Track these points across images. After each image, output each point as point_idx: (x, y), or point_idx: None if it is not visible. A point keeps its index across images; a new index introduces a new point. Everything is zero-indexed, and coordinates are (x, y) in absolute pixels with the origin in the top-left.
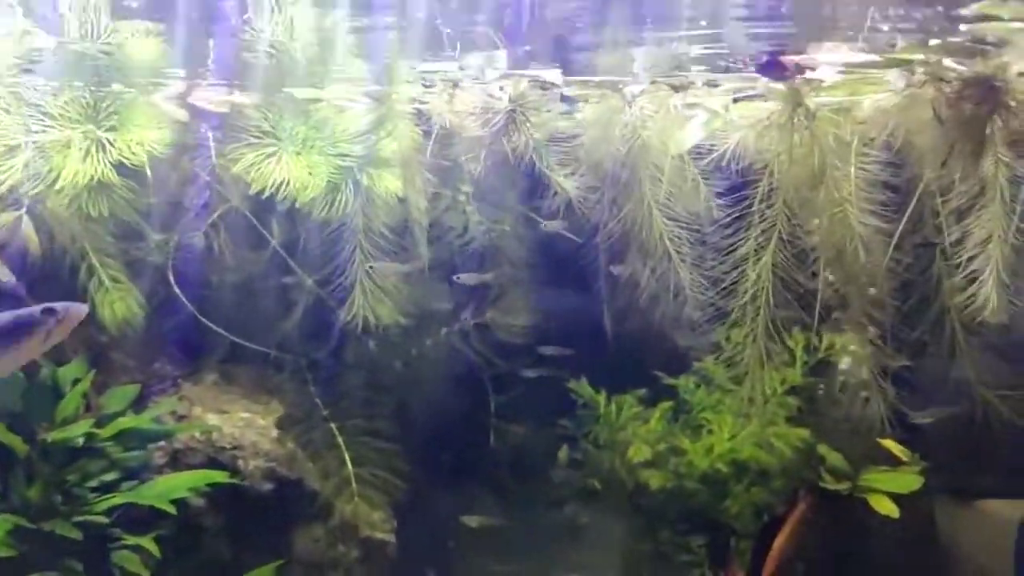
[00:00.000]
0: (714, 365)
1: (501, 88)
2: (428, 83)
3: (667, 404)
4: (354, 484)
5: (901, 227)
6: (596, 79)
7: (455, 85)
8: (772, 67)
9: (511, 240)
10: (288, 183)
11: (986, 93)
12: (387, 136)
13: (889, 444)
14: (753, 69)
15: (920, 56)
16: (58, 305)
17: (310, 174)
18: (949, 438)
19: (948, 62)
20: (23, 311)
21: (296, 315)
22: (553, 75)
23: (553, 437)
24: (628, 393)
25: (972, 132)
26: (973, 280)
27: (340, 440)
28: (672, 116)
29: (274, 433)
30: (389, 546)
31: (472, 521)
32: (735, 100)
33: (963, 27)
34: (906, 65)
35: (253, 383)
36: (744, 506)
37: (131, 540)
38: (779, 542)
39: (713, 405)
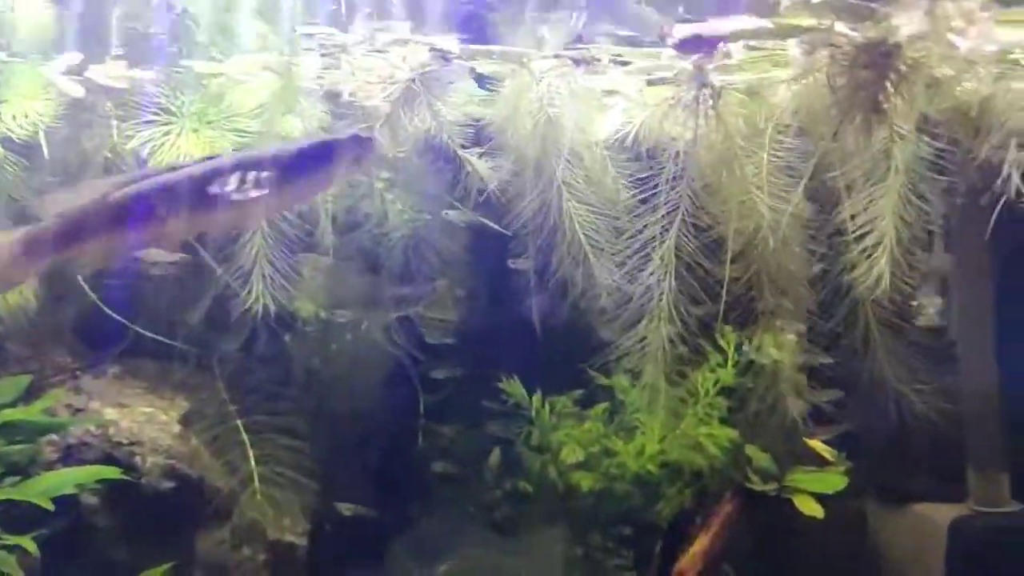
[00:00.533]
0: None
1: (404, 59)
2: (326, 52)
3: (603, 405)
4: (258, 483)
5: (811, 213)
6: (497, 49)
7: (344, 50)
8: (691, 44)
9: (435, 230)
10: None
11: (878, 59)
12: (287, 111)
13: (815, 444)
14: (668, 44)
15: (811, 21)
16: (364, 132)
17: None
18: (878, 440)
19: (840, 27)
20: (327, 137)
21: (204, 305)
22: (449, 43)
23: (485, 439)
24: (564, 394)
25: (865, 101)
26: (868, 258)
27: (245, 437)
28: (582, 94)
29: (176, 429)
30: (299, 549)
31: (346, 509)
32: (649, 83)
33: None
34: (800, 31)
35: (158, 377)
36: (675, 508)
37: (10, 540)
38: (703, 543)
39: (647, 405)
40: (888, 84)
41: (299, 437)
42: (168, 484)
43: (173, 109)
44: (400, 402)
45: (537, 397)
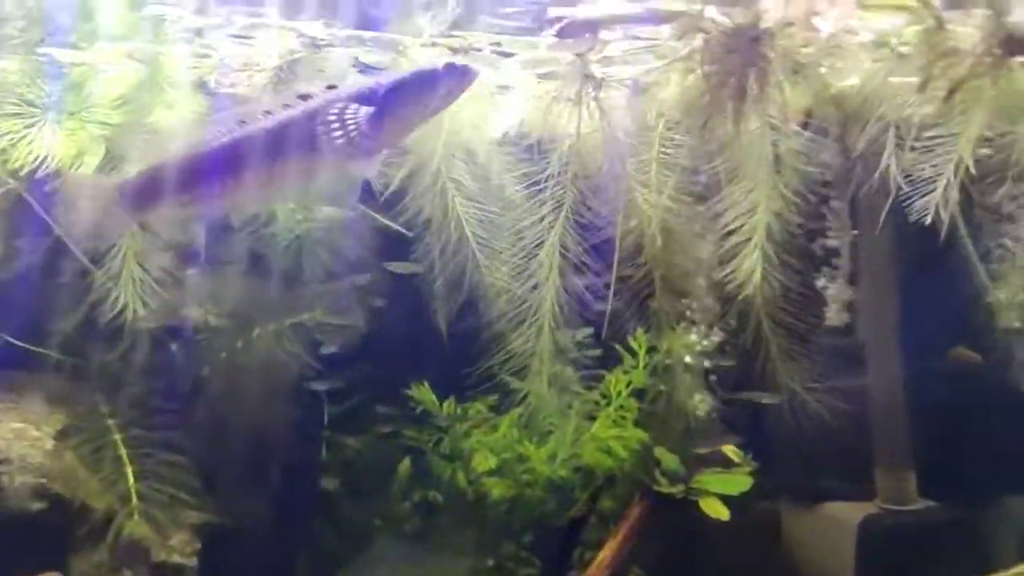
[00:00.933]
0: (562, 367)
1: (267, 44)
2: (190, 40)
3: (517, 411)
4: (136, 501)
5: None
6: (369, 35)
7: (199, 34)
8: (570, 30)
9: (331, 231)
10: (51, 158)
11: (745, 45)
12: (155, 101)
13: (723, 447)
14: (550, 32)
15: (682, 6)
16: (458, 63)
17: (77, 149)
18: (785, 441)
19: (710, 12)
20: (424, 67)
21: (80, 311)
22: (315, 28)
23: (394, 448)
24: (477, 400)
25: (733, 89)
26: (736, 255)
27: (124, 453)
28: (472, 90)
29: (49, 445)
30: (187, 571)
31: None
32: (540, 76)
33: None
34: (671, 17)
35: (30, 389)
36: (587, 513)
37: None
38: (611, 548)
39: (562, 409)
40: (755, 71)
41: (184, 452)
42: (38, 504)
43: (35, 100)
44: (302, 413)
45: (449, 403)
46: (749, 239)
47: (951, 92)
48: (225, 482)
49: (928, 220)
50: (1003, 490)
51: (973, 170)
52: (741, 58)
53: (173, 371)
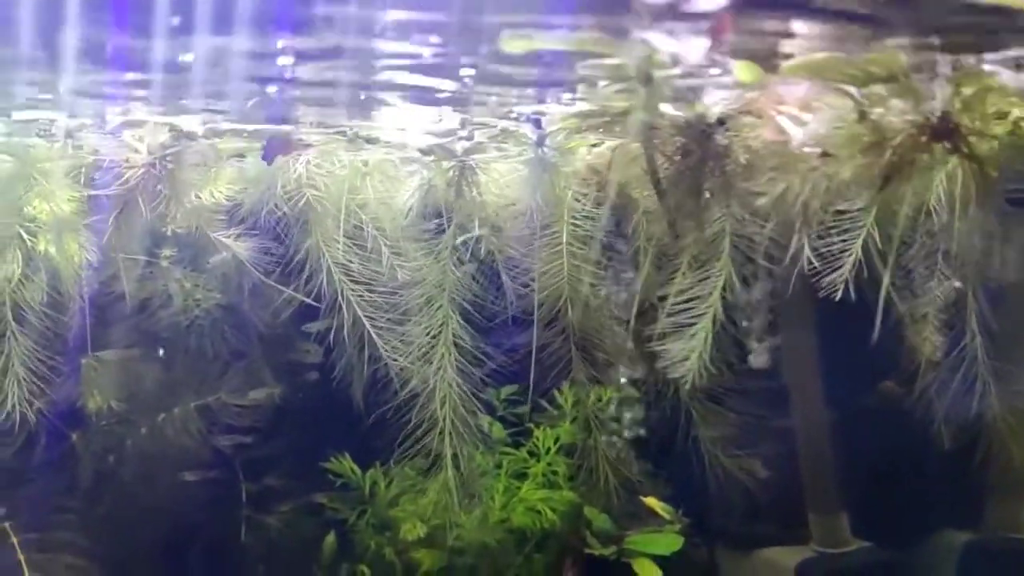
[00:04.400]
0: (493, 426)
1: (140, 139)
2: (43, 133)
3: (447, 474)
4: None
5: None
6: (251, 128)
7: (69, 135)
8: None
9: (230, 309)
10: None
11: (699, 139)
12: (28, 194)
13: (651, 502)
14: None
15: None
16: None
17: None
18: (713, 492)
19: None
20: None
21: None
22: (192, 123)
23: (318, 522)
24: (402, 465)
25: (690, 185)
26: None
27: (22, 558)
28: (346, 171)
29: None
30: None
31: None
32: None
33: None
34: (620, 113)
35: None
36: None
37: None
38: None
39: (486, 470)
40: (711, 164)
41: (87, 553)
42: None
43: None
44: (217, 495)
45: (373, 472)
46: (692, 322)
47: (886, 181)
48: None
49: (838, 296)
50: (935, 526)
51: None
52: (694, 154)
53: (74, 464)
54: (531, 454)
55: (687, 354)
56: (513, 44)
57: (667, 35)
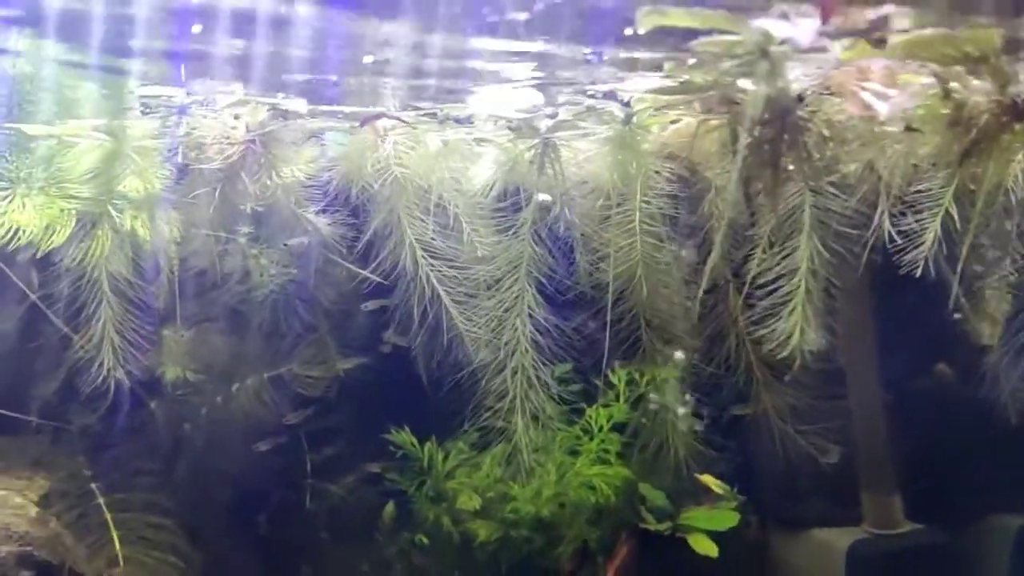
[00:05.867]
0: (547, 402)
1: (236, 117)
2: (148, 111)
3: (499, 449)
4: (123, 565)
5: (693, 261)
6: (346, 110)
7: (182, 112)
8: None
9: (302, 285)
10: (25, 230)
11: (780, 115)
12: (125, 174)
13: (707, 479)
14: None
15: (710, 78)
16: None
17: (48, 220)
18: (772, 470)
19: (741, 83)
20: None
21: (61, 376)
22: (297, 104)
23: (379, 493)
24: (459, 439)
25: (770, 159)
26: (773, 315)
27: (109, 517)
28: (445, 146)
29: (33, 512)
30: None
31: None
32: (512, 130)
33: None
34: (698, 89)
35: (13, 455)
36: (575, 552)
37: None
38: None
39: (544, 446)
40: (787, 139)
41: (168, 514)
42: (25, 573)
43: (4, 174)
44: (284, 464)
45: (430, 445)
46: (789, 299)
47: (965, 158)
48: (211, 539)
49: (918, 272)
50: (988, 510)
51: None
52: (773, 127)
53: (154, 430)
54: (584, 431)
55: (790, 331)
56: (648, 20)
57: (779, 16)
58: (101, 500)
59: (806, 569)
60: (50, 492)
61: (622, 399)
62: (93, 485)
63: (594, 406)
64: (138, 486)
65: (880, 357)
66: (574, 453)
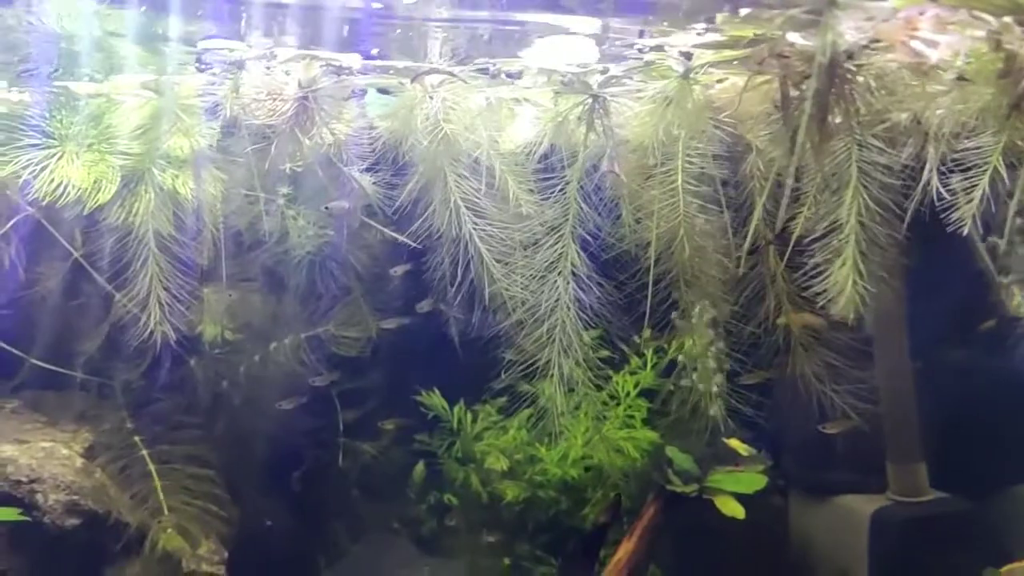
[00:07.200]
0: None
1: (287, 72)
2: (205, 66)
3: (526, 413)
4: (168, 514)
5: (733, 221)
6: (399, 64)
7: (240, 67)
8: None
9: (343, 246)
10: (73, 187)
11: (829, 68)
12: (174, 131)
13: (734, 443)
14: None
15: (759, 31)
16: None
17: (95, 177)
18: (798, 436)
19: (791, 36)
20: None
21: (104, 333)
22: (351, 59)
23: (409, 453)
24: (487, 403)
25: (819, 114)
26: (819, 272)
27: (152, 468)
28: (486, 105)
29: (79, 463)
30: None
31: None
32: (556, 92)
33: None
34: (748, 41)
35: (58, 409)
36: (601, 513)
37: None
38: (627, 548)
39: (572, 410)
40: (844, 96)
41: (208, 465)
42: (73, 521)
43: (53, 132)
44: (318, 421)
45: (459, 408)
46: (838, 253)
47: (1014, 111)
48: (248, 492)
49: (965, 230)
50: (1014, 479)
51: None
52: (824, 82)
53: (193, 387)
54: (612, 397)
55: (842, 285)
56: None
57: None
58: (144, 452)
59: (829, 535)
60: (94, 445)
61: (649, 366)
62: (136, 438)
63: (620, 373)
64: (179, 440)
65: (910, 323)
66: (600, 418)
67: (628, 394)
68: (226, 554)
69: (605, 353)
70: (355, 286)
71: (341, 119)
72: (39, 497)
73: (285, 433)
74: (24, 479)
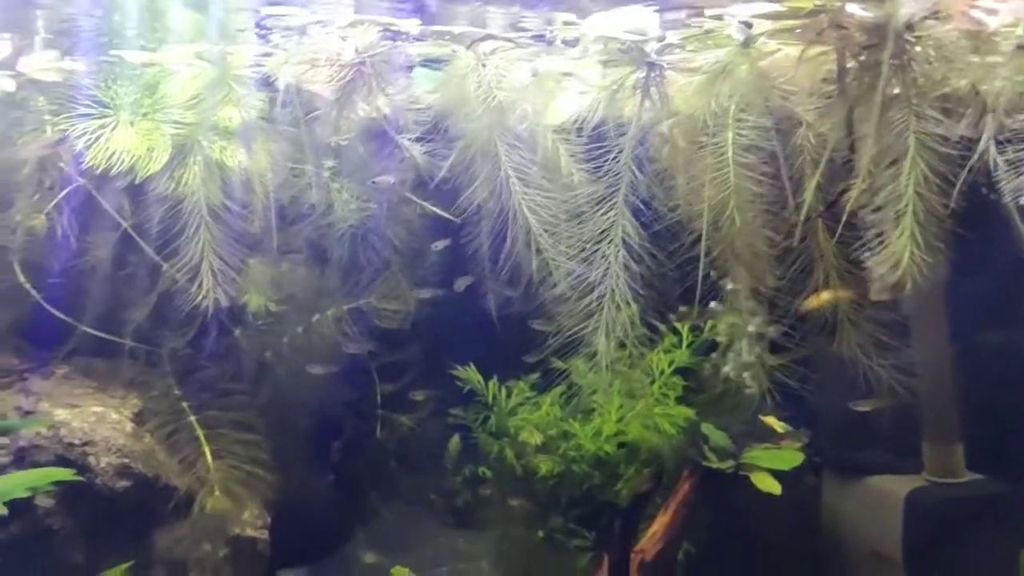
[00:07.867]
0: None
1: (344, 39)
2: (264, 32)
3: (559, 389)
4: (215, 479)
5: (783, 193)
6: (456, 30)
7: (302, 32)
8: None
9: (384, 219)
10: (126, 156)
11: (885, 36)
12: (225, 101)
13: (770, 420)
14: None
15: (818, 2)
16: None
17: (148, 147)
18: (834, 415)
19: (850, 7)
20: None
21: (152, 301)
22: (410, 24)
23: (444, 427)
24: (521, 379)
25: (875, 85)
26: (877, 244)
27: (200, 433)
28: (536, 76)
29: (129, 427)
30: (260, 543)
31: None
32: (604, 64)
33: None
34: (807, 12)
35: (108, 375)
36: (634, 488)
37: None
38: (662, 522)
39: (605, 387)
40: (903, 68)
41: (254, 431)
42: (123, 483)
43: (107, 101)
44: (357, 393)
45: (493, 383)
46: (895, 224)
47: None
48: (290, 459)
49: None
50: None
51: None
52: (883, 54)
53: (239, 355)
54: (646, 374)
55: (899, 256)
56: None
57: None
58: (192, 418)
59: (863, 515)
60: (143, 410)
61: (684, 344)
62: (184, 404)
63: (655, 350)
64: (226, 406)
65: (952, 301)
66: (634, 396)
67: (663, 372)
68: (269, 519)
69: (648, 328)
70: (395, 260)
71: (396, 86)
72: (91, 460)
73: (326, 404)
74: (77, 442)
